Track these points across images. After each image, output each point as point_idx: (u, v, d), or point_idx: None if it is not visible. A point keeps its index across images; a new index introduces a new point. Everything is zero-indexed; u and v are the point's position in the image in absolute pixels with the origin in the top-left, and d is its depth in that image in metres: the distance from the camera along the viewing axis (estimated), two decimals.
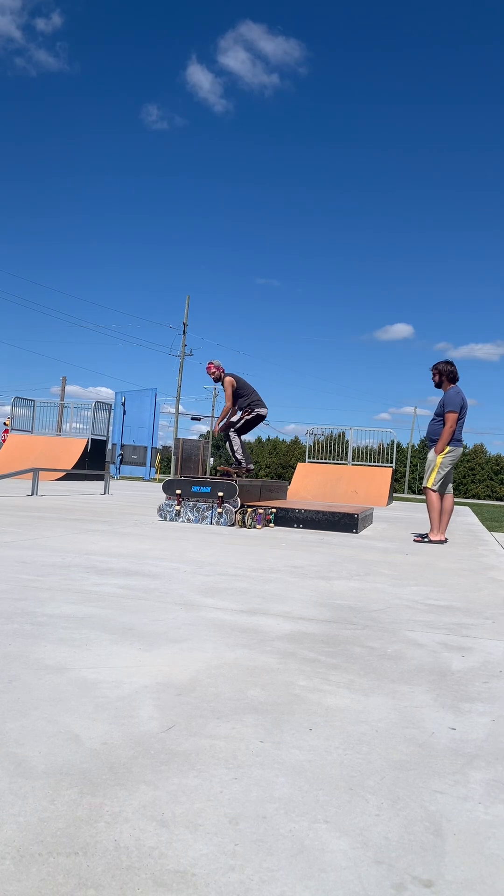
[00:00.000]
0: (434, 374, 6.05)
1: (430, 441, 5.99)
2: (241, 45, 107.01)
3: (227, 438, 7.29)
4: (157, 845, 0.89)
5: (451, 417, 5.80)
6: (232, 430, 7.27)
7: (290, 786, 1.09)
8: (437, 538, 5.79)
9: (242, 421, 7.33)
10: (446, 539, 5.96)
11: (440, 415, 5.93)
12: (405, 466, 59.66)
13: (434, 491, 5.91)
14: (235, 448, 7.30)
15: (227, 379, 7.27)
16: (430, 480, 5.87)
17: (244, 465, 7.31)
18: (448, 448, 5.86)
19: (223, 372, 7.44)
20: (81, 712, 1.34)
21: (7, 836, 0.89)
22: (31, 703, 1.36)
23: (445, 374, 6.01)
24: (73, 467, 14.47)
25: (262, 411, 7.29)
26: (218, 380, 7.45)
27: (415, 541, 5.84)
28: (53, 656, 1.69)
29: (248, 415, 7.32)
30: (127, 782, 1.06)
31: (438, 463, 5.83)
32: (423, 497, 11.16)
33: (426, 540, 5.78)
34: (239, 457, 7.30)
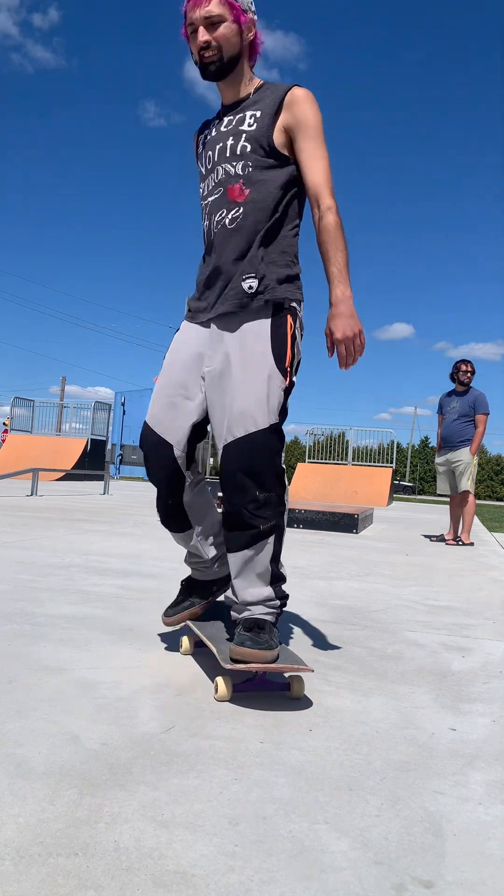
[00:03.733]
0: (470, 372, 5.99)
1: (459, 441, 5.96)
2: None
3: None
4: (157, 846, 0.89)
5: (485, 419, 5.88)
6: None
7: (290, 786, 1.09)
8: (469, 541, 5.88)
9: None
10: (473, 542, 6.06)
11: (467, 416, 5.93)
12: (405, 467, 59.64)
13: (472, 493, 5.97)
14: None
15: (304, 92, 1.59)
16: (471, 483, 5.89)
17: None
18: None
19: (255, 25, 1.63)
20: (81, 713, 1.33)
21: (7, 836, 0.89)
22: (30, 704, 1.36)
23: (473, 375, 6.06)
24: (73, 467, 14.44)
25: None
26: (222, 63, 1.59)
27: (447, 543, 5.86)
28: (53, 657, 1.69)
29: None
30: (127, 783, 1.06)
31: (475, 465, 5.89)
32: (424, 498, 11.16)
33: (460, 542, 5.83)
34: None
